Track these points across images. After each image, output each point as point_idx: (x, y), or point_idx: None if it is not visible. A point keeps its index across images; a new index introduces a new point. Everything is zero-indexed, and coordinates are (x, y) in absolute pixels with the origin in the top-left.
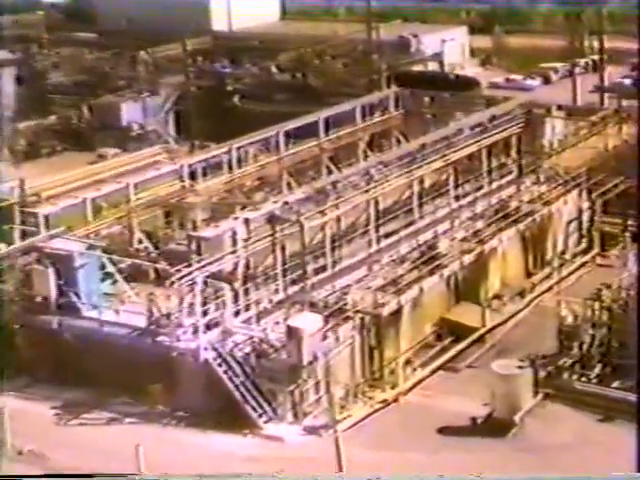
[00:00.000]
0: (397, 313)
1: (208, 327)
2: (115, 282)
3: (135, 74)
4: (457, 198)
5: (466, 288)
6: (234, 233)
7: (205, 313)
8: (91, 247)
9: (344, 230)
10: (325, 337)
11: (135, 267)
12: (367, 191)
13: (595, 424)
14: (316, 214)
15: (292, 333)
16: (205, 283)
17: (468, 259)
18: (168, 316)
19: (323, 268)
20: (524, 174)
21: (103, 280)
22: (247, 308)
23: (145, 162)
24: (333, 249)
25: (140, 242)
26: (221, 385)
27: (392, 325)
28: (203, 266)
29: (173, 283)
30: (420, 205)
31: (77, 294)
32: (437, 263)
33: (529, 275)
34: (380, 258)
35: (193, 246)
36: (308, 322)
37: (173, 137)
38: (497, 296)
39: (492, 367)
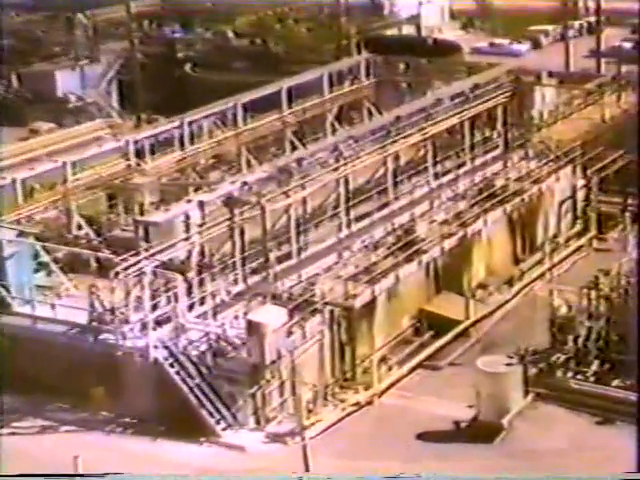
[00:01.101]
0: (371, 305)
1: (158, 323)
2: (50, 273)
3: (72, 39)
4: (436, 176)
5: (447, 276)
6: (187, 217)
7: (155, 307)
8: (22, 234)
9: (311, 213)
10: (290, 333)
11: (74, 256)
12: (336, 169)
13: (593, 427)
14: (279, 195)
15: (253, 329)
16: (154, 274)
17: (449, 244)
18: (112, 311)
19: (287, 256)
20: (511, 149)
21: (36, 271)
22: (202, 301)
23: (84, 138)
24: (299, 234)
25: (79, 228)
26: (173, 388)
27: (365, 318)
28: (152, 254)
29: (118, 274)
30: (395, 184)
31: (6, 287)
32: (415, 249)
33: (518, 261)
34: (351, 244)
35: (140, 232)
36: (271, 316)
37: (116, 110)
38: (482, 285)
39: (477, 364)
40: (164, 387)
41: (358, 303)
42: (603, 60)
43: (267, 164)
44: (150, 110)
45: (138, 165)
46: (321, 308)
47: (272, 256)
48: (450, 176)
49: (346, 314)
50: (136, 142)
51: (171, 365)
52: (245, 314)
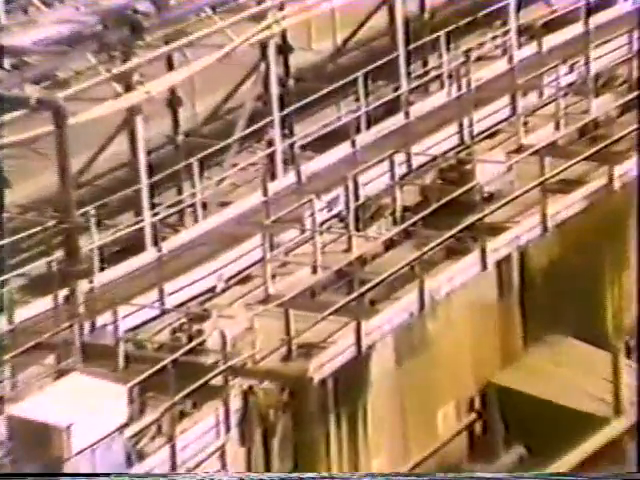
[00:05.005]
0: (353, 374)
1: None
2: None
3: None
4: (525, 35)
5: (557, 295)
6: None
7: None
8: None
9: (191, 131)
10: (133, 453)
11: None
12: (258, 18)
13: None
14: (107, 82)
15: (29, 438)
16: None
17: (561, 209)
18: None
19: (132, 245)
20: None
21: None
22: None
23: None
24: (154, 190)
25: None
26: None
27: (341, 411)
28: None
29: None
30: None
31: None
32: (469, 223)
33: None
34: (300, 211)
35: None
36: (80, 406)
37: None
38: None
39: None
40: None
41: (316, 372)
42: None
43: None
44: None
45: None
46: (222, 384)
47: (89, 244)
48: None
49: (291, 401)
50: None
51: None
52: (2, 402)
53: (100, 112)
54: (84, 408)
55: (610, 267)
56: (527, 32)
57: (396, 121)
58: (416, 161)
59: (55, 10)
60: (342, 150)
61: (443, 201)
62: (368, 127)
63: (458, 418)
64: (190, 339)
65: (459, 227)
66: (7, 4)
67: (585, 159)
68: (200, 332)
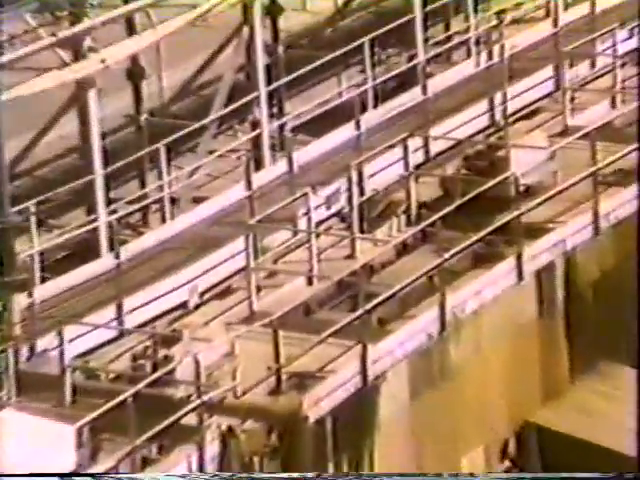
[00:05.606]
0: (360, 413)
1: None
2: None
3: None
4: None
5: (609, 311)
6: None
7: None
8: None
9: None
10: None
11: None
12: None
13: None
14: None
15: None
16: None
17: (620, 205)
18: None
19: (86, 253)
20: None
21: None
22: None
23: None
24: (111, 181)
25: None
26: None
27: (341, 456)
28: None
29: None
30: None
31: None
32: (498, 226)
33: None
34: (290, 213)
35: None
36: (14, 451)
37: None
38: None
39: None
40: None
41: (315, 407)
42: None
43: None
44: None
45: None
46: (195, 423)
47: (28, 249)
48: None
49: (280, 445)
50: None
51: None
52: None
53: (43, 85)
54: (19, 453)
55: None
56: None
57: (411, 97)
58: (435, 147)
59: None
60: (344, 133)
61: (469, 196)
62: (376, 105)
63: (488, 466)
64: (155, 367)
65: (489, 228)
66: None
67: None
68: (168, 358)
